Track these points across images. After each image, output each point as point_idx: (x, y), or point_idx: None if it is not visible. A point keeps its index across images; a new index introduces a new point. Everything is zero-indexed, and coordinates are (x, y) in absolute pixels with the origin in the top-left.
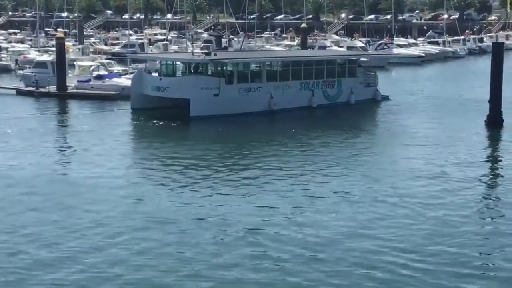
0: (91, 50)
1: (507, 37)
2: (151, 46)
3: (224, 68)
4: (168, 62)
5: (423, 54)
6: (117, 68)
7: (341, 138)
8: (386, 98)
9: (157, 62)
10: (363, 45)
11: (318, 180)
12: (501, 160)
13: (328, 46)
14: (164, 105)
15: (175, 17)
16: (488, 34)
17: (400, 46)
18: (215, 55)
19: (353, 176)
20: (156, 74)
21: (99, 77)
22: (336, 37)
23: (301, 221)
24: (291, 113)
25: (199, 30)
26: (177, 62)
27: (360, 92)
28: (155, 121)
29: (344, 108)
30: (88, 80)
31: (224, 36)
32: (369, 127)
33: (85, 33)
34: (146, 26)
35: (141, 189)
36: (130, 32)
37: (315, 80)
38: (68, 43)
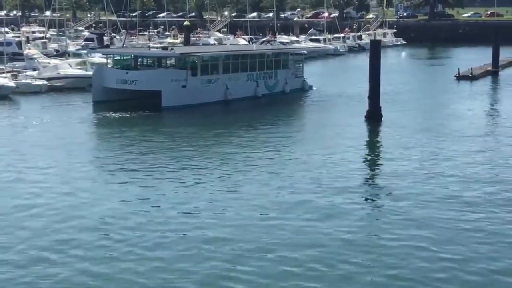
0: None
1: (384, 35)
2: (29, 44)
3: (189, 61)
4: (125, 57)
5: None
6: None
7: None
8: (311, 87)
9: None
10: (246, 42)
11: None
12: (380, 154)
13: (212, 44)
14: (127, 97)
15: (54, 15)
16: (366, 32)
17: (282, 43)
18: (172, 49)
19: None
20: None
21: None
22: (219, 35)
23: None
24: (244, 102)
25: (80, 28)
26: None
27: (292, 82)
28: (126, 113)
29: (282, 97)
30: None
31: (105, 34)
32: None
33: None
34: (23, 24)
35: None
36: (6, 29)
37: (258, 72)
38: None
